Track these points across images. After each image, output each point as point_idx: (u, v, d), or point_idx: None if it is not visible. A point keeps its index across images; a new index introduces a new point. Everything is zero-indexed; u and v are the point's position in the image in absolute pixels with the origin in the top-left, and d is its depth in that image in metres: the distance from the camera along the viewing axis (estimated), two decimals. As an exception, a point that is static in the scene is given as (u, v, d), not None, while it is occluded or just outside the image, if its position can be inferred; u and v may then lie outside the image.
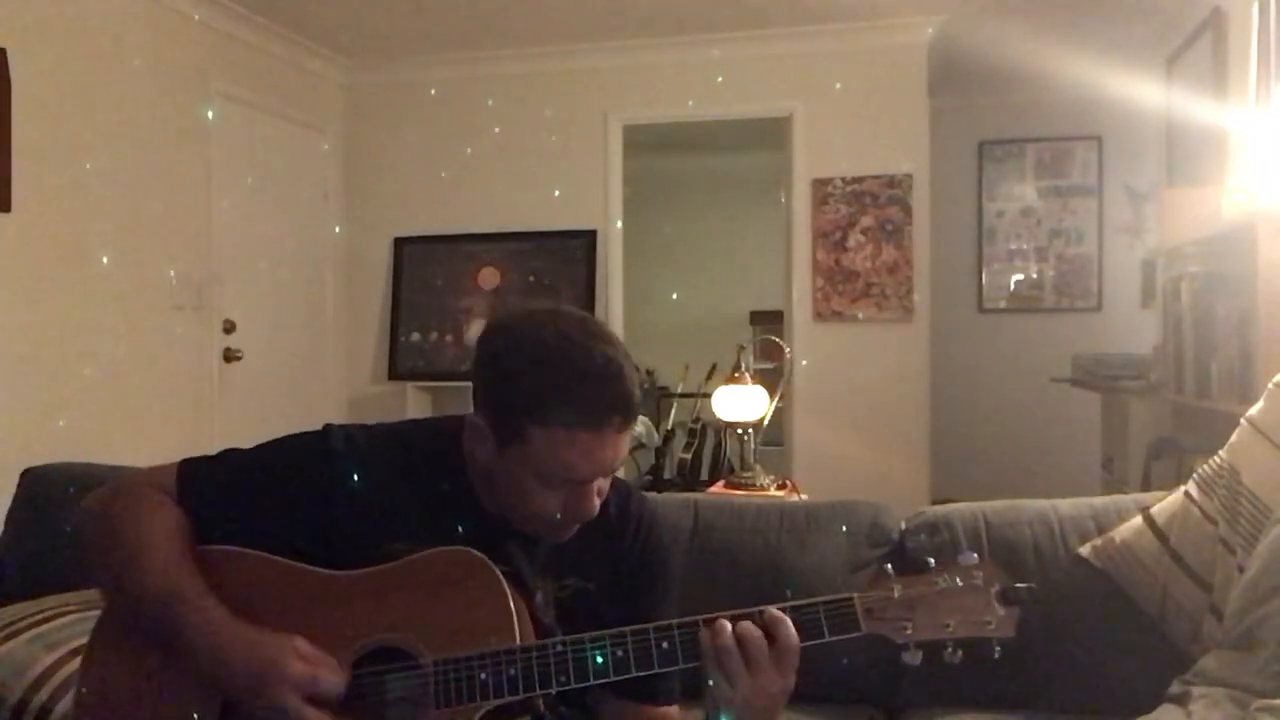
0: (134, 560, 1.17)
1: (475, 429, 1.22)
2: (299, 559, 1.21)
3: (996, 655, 1.10)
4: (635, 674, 1.14)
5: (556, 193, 5.03)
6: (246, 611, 1.16)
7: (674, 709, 1.29)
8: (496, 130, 5.07)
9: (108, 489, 1.25)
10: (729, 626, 1.11)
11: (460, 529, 1.24)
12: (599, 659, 1.13)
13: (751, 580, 1.76)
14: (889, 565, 1.15)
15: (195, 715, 1.16)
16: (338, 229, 5.23)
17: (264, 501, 1.23)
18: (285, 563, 1.21)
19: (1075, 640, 1.66)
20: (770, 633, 1.11)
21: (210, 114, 4.26)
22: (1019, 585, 1.11)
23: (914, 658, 1.10)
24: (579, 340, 1.16)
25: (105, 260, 3.68)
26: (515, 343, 1.19)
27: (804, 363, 4.72)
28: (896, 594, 1.11)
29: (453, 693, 1.13)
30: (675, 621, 1.15)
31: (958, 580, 1.12)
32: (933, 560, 1.14)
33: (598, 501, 1.22)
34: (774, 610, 1.12)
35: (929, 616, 1.10)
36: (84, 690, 1.22)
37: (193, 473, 1.25)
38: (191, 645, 1.14)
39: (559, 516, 1.20)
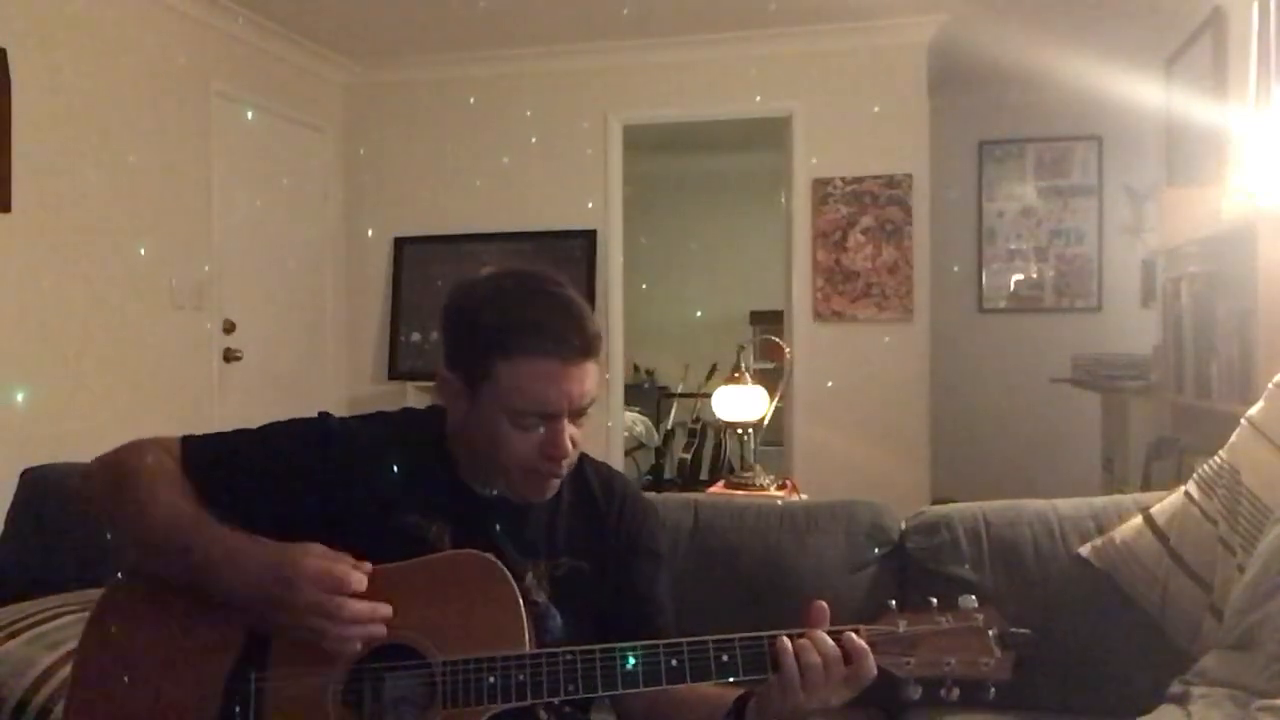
0: (145, 497, 1.19)
1: (446, 384, 1.26)
2: (293, 539, 1.21)
3: (991, 696, 1.13)
4: (643, 689, 1.14)
5: (557, 193, 5.03)
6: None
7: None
8: (496, 130, 5.08)
9: (113, 454, 1.26)
10: (813, 646, 1.11)
11: (449, 508, 1.27)
12: (608, 671, 1.14)
13: (751, 580, 1.77)
14: (893, 601, 1.18)
15: (198, 692, 1.16)
16: (338, 229, 5.23)
17: (261, 478, 1.25)
18: None
19: (1075, 640, 1.67)
20: (851, 657, 1.12)
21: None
22: (1016, 631, 1.15)
23: (914, 692, 1.14)
24: (534, 281, 1.25)
25: (105, 260, 3.69)
26: (475, 292, 1.26)
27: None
28: (901, 630, 1.14)
29: (459, 694, 1.13)
30: (685, 640, 1.15)
31: (958, 621, 1.15)
32: (935, 600, 1.17)
33: (570, 445, 1.23)
34: (858, 641, 1.13)
35: (929, 654, 1.14)
36: (81, 673, 1.22)
37: (195, 447, 1.27)
38: (209, 560, 1.15)
39: (536, 461, 1.22)
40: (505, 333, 1.20)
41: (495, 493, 1.29)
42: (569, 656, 1.14)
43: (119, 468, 1.23)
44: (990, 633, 1.14)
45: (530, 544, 1.29)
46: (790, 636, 1.13)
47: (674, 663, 1.14)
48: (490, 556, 1.20)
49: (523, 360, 1.19)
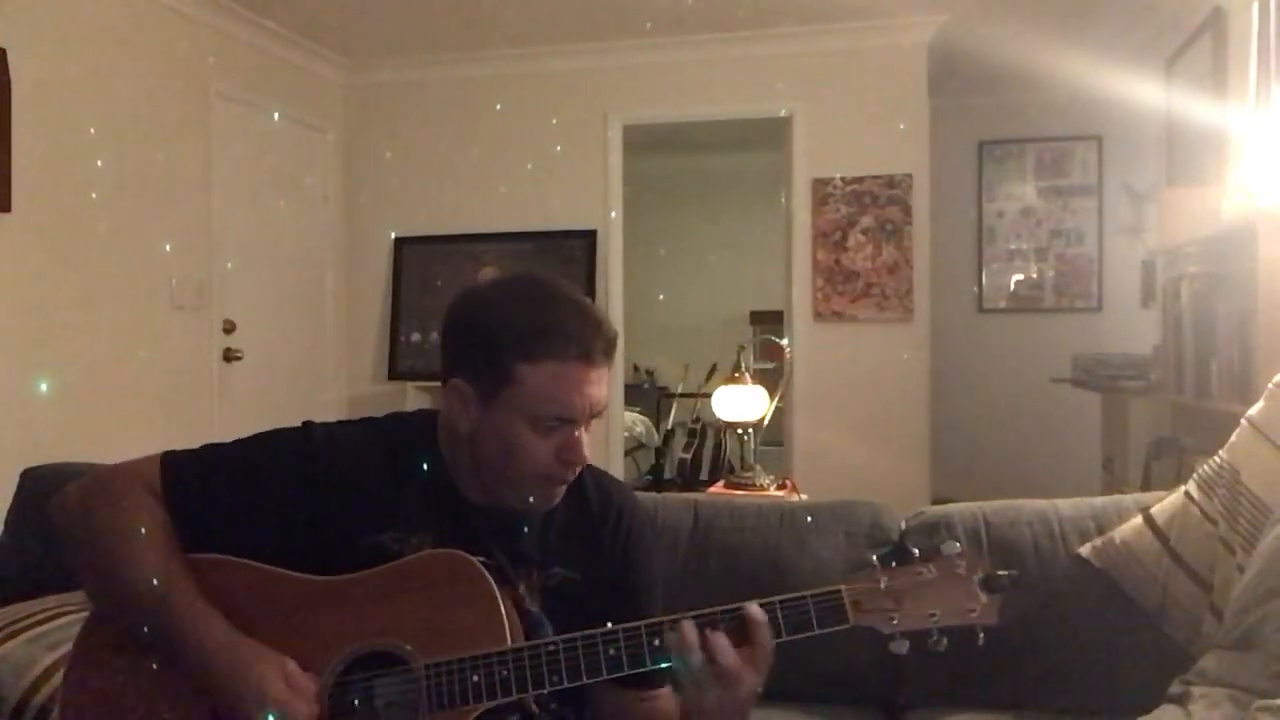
0: (121, 560, 1.16)
1: (456, 392, 1.22)
2: (280, 553, 1.20)
3: (981, 642, 1.12)
4: (627, 672, 1.14)
5: (556, 193, 5.03)
6: (234, 620, 1.16)
7: (665, 690, 1.30)
8: (496, 130, 5.08)
9: (87, 482, 1.23)
10: (695, 641, 1.11)
11: (441, 518, 1.25)
12: (592, 658, 1.13)
13: (751, 580, 1.76)
14: (874, 556, 1.16)
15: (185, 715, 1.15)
16: (338, 229, 5.23)
17: (246, 494, 1.22)
18: (272, 570, 1.20)
19: (1075, 640, 1.66)
20: (750, 634, 1.11)
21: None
22: (1000, 573, 1.13)
23: (900, 647, 1.12)
24: (548, 285, 1.24)
25: (105, 260, 3.68)
26: (489, 298, 1.24)
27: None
28: (883, 585, 1.13)
29: (445, 696, 1.13)
30: (666, 620, 1.14)
31: (941, 570, 1.14)
32: (917, 551, 1.16)
33: (587, 452, 1.22)
34: (754, 612, 1.12)
35: (914, 606, 1.12)
36: (68, 697, 1.21)
37: (175, 465, 1.24)
38: (180, 647, 1.13)
39: (552, 467, 1.21)
40: (530, 337, 1.17)
41: (492, 501, 1.27)
42: (551, 648, 1.13)
43: (94, 520, 1.19)
44: (974, 578, 1.13)
45: (523, 553, 1.27)
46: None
47: (656, 643, 1.13)
48: (464, 554, 1.18)
49: (549, 364, 1.17)
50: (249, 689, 1.10)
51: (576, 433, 1.21)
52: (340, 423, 1.32)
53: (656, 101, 4.99)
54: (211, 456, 1.26)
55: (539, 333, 1.17)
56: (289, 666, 1.13)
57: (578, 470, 1.24)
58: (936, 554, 1.14)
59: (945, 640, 1.12)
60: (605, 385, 1.22)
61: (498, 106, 5.06)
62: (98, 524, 1.19)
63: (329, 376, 5.17)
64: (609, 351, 1.21)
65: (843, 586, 1.14)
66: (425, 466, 1.27)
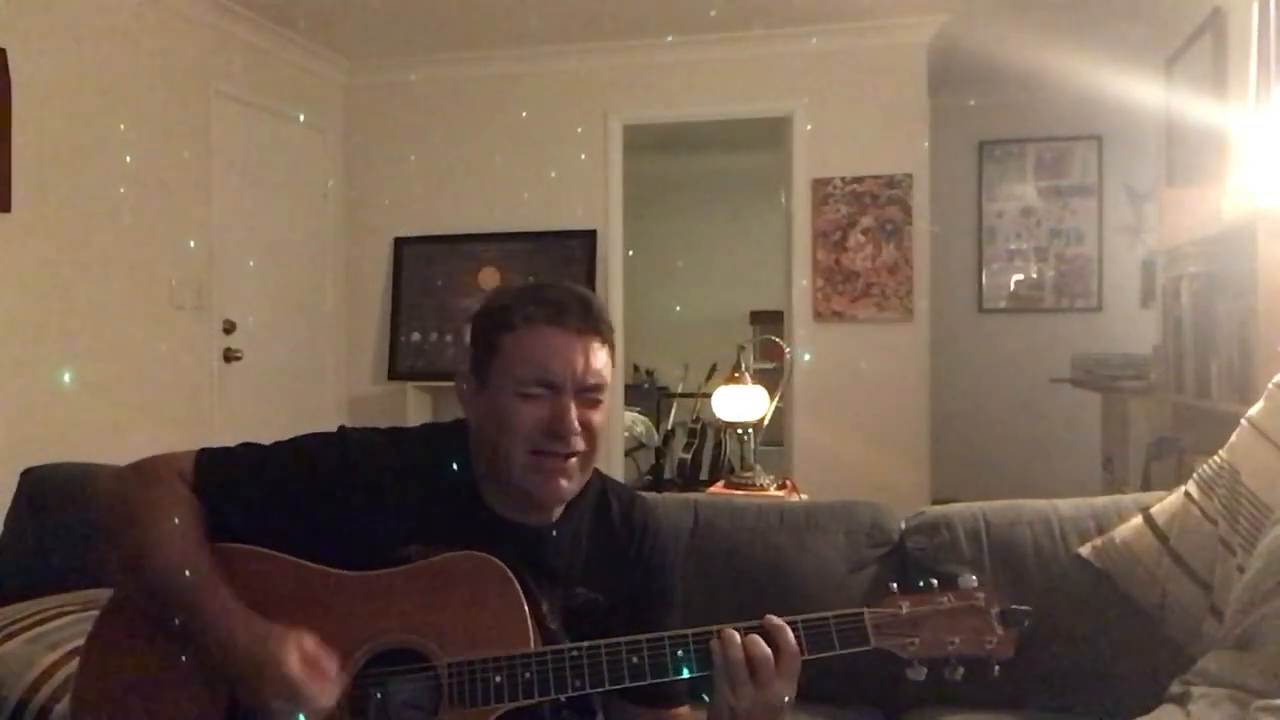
0: (152, 542, 1.17)
1: (461, 380, 1.29)
2: (309, 557, 1.21)
3: (996, 673, 1.15)
4: (650, 681, 1.15)
5: (556, 193, 5.03)
6: (261, 609, 1.17)
7: (684, 710, 1.31)
8: (496, 130, 5.08)
9: (127, 469, 1.25)
10: (738, 639, 1.13)
11: (465, 533, 1.25)
12: (615, 665, 1.14)
13: (751, 580, 1.76)
14: (894, 584, 1.19)
15: (198, 713, 1.16)
16: (338, 229, 5.23)
17: (278, 496, 1.23)
18: (300, 562, 1.21)
19: (1075, 640, 1.67)
20: (773, 640, 1.13)
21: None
22: (1017, 608, 1.16)
23: (917, 674, 1.16)
24: (542, 280, 1.34)
25: (105, 260, 3.69)
26: (489, 295, 1.32)
27: (806, 357, 4.72)
28: (904, 611, 1.15)
29: (466, 695, 1.13)
30: (690, 631, 1.15)
31: (960, 600, 1.17)
32: (935, 581, 1.18)
33: (577, 425, 1.22)
34: (774, 618, 1.15)
35: (933, 634, 1.15)
36: (82, 686, 1.21)
37: (210, 462, 1.25)
38: (201, 630, 1.14)
39: (539, 439, 1.21)
40: (510, 310, 1.24)
41: (517, 514, 1.27)
42: (574, 653, 1.14)
43: (129, 504, 1.21)
44: (992, 611, 1.16)
45: (548, 571, 1.28)
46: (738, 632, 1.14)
47: (679, 653, 1.14)
48: (492, 557, 1.19)
49: (526, 329, 1.22)
50: (266, 671, 1.10)
51: (565, 402, 1.21)
52: (374, 430, 1.33)
53: (656, 101, 5.00)
54: (245, 457, 1.27)
55: (518, 304, 1.24)
56: (306, 643, 1.13)
57: (570, 447, 1.22)
58: (953, 585, 1.18)
59: (961, 670, 1.15)
60: (594, 358, 1.23)
61: (498, 107, 5.07)
62: (132, 506, 1.21)
63: (329, 376, 5.17)
64: (593, 325, 1.23)
65: (865, 610, 1.16)
66: (453, 479, 1.28)
